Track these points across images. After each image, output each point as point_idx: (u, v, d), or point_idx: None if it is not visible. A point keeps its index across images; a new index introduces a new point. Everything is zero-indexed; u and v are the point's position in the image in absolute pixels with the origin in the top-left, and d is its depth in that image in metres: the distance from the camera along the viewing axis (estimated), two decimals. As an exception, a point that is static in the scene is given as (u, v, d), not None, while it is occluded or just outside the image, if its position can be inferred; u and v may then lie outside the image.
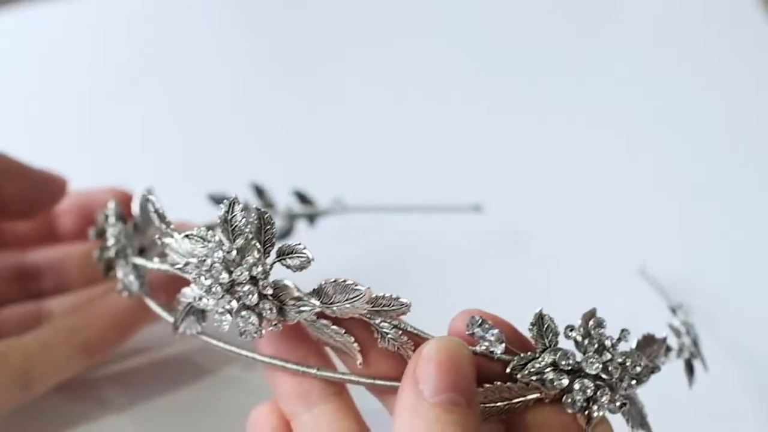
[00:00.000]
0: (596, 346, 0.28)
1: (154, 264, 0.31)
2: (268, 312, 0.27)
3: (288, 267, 0.27)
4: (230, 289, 0.27)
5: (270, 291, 0.27)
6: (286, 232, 0.49)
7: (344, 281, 0.26)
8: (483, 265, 0.49)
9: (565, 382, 0.28)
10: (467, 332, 0.28)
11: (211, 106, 0.61)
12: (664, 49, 0.65)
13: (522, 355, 0.28)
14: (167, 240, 0.29)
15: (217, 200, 0.49)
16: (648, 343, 0.31)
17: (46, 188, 0.39)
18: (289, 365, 0.29)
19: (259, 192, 0.49)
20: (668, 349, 0.32)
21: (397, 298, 0.27)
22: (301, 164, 0.54)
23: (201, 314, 0.30)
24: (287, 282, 0.27)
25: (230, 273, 0.27)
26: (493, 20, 0.70)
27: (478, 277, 0.48)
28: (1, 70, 0.63)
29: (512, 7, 0.70)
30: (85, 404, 0.39)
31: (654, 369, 0.30)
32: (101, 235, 0.36)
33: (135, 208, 0.35)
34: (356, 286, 0.26)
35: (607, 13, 0.69)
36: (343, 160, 0.56)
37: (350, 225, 0.49)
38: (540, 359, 0.28)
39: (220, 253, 0.27)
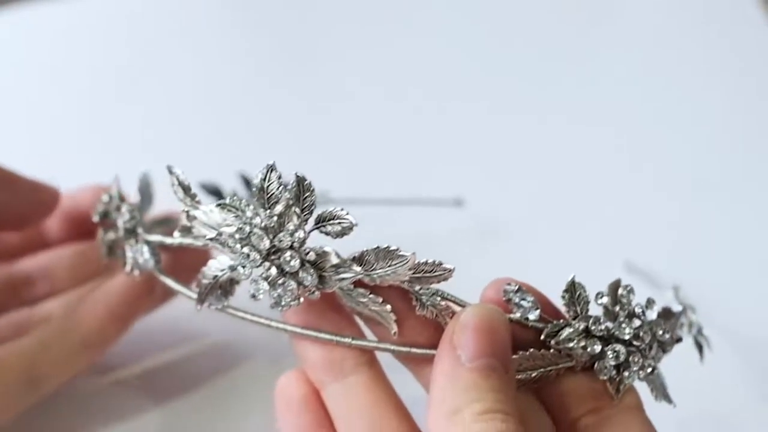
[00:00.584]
0: (627, 312, 0.28)
1: (175, 239, 0.30)
2: (309, 279, 0.27)
3: (327, 234, 0.27)
4: (270, 256, 0.27)
5: (313, 257, 0.27)
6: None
7: (387, 247, 0.27)
8: (470, 257, 0.48)
9: (598, 348, 0.28)
10: (504, 298, 0.28)
11: (211, 106, 0.61)
12: (664, 49, 0.66)
13: (555, 322, 0.28)
14: (194, 212, 0.29)
15: (208, 189, 0.48)
16: (667, 315, 0.31)
17: (37, 198, 0.39)
18: (322, 335, 0.29)
19: (248, 183, 0.49)
20: (681, 324, 0.33)
21: (440, 263, 0.27)
22: (299, 162, 0.54)
23: (228, 287, 0.29)
24: (327, 248, 0.27)
25: (271, 239, 0.27)
26: (488, 19, 0.70)
27: (466, 270, 0.48)
28: (1, 70, 0.63)
29: (509, 7, 0.70)
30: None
31: (678, 339, 0.31)
32: (105, 216, 0.36)
33: (134, 192, 0.35)
34: (400, 251, 0.26)
35: (605, 12, 0.69)
36: (340, 159, 0.56)
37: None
38: (573, 326, 0.28)
39: (259, 220, 0.27)
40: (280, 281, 0.27)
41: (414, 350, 0.28)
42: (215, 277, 0.29)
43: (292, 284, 0.27)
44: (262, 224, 0.27)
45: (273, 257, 0.27)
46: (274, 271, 0.27)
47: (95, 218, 0.36)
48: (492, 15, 0.70)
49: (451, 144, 0.57)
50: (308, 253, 0.27)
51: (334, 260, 0.27)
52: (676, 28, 0.67)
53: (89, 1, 0.68)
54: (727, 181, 0.55)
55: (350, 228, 0.27)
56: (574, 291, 0.28)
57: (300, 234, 0.27)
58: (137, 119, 0.59)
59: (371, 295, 0.28)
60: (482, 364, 0.26)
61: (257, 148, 0.57)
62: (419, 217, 0.50)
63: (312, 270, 0.27)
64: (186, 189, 0.30)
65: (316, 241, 0.27)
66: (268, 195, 0.28)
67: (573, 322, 0.28)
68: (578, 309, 0.28)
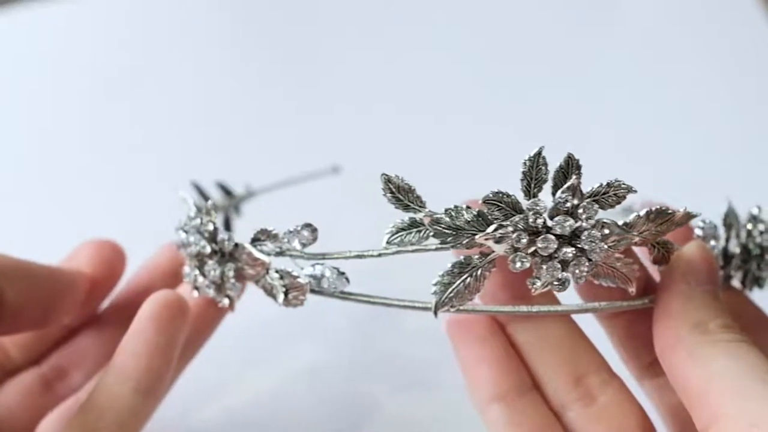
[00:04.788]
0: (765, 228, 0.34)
1: (407, 248, 0.28)
2: (596, 254, 0.27)
3: (600, 206, 0.28)
4: (569, 237, 0.27)
5: (607, 231, 0.27)
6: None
7: (659, 207, 0.28)
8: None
9: (755, 264, 0.34)
10: (700, 235, 0.32)
11: (210, 106, 0.61)
12: (663, 49, 0.65)
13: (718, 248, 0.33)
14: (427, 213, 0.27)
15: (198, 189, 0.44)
16: None
17: (59, 287, 0.33)
18: (567, 307, 0.30)
19: (201, 192, 0.45)
20: None
21: (685, 210, 0.29)
22: (298, 162, 0.51)
23: (478, 283, 0.28)
24: (606, 219, 0.28)
25: (575, 219, 0.27)
26: (486, 20, 0.68)
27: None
28: (0, 70, 0.64)
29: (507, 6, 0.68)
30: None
31: None
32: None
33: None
34: (671, 209, 0.28)
35: (605, 12, 0.68)
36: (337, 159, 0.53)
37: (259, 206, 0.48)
38: (736, 253, 0.33)
39: (543, 205, 0.27)
40: (575, 261, 0.27)
41: (646, 302, 0.30)
42: (461, 275, 0.28)
43: (586, 262, 0.27)
44: (558, 206, 0.27)
45: (571, 238, 0.27)
46: (571, 251, 0.27)
47: (206, 249, 0.30)
48: (491, 15, 0.68)
49: (448, 146, 0.57)
50: (602, 226, 0.27)
51: (615, 230, 0.28)
52: (676, 28, 0.66)
53: (89, 2, 0.68)
54: (727, 179, 0.54)
55: (624, 196, 0.28)
56: (728, 219, 0.33)
57: (596, 208, 0.27)
58: (137, 120, 0.60)
59: (625, 258, 0.29)
60: (710, 289, 0.29)
61: (256, 148, 0.58)
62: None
63: (602, 242, 0.27)
64: (409, 191, 0.28)
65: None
66: (536, 179, 0.27)
67: (736, 249, 0.33)
68: (730, 234, 0.33)
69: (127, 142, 0.57)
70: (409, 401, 0.40)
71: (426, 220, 0.27)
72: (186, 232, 0.31)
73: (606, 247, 0.27)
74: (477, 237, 0.27)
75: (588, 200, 0.27)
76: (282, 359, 0.43)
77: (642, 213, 0.28)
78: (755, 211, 0.34)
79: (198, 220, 0.31)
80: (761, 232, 0.34)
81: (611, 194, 0.27)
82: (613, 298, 0.30)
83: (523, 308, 0.29)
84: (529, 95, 0.62)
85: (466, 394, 0.32)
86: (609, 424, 0.30)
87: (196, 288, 0.32)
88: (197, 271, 0.31)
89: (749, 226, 0.34)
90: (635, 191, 0.28)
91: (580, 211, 0.27)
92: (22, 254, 0.33)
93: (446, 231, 0.27)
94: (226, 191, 0.47)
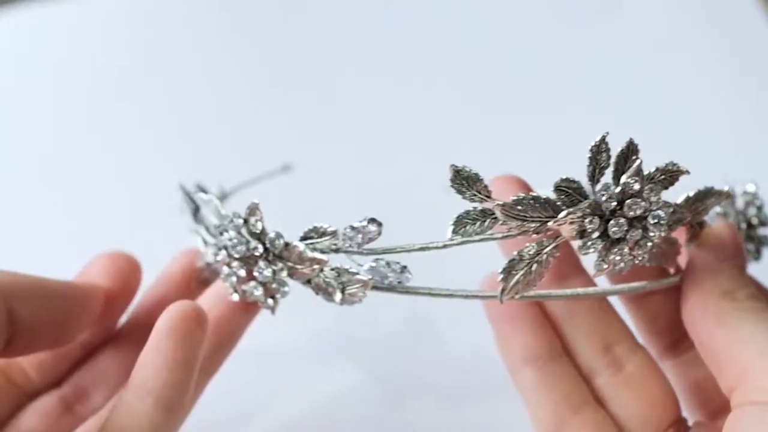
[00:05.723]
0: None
1: (471, 237, 0.28)
2: (656, 235, 0.28)
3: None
4: (633, 220, 0.28)
5: (671, 211, 0.28)
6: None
7: (706, 188, 0.29)
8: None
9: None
10: (721, 212, 0.34)
11: (211, 105, 0.61)
12: (663, 49, 0.64)
13: None
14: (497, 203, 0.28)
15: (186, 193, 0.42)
16: None
17: (74, 303, 0.32)
18: (618, 287, 0.31)
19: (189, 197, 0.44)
20: None
21: (727, 189, 0.31)
22: (298, 158, 0.50)
23: (544, 268, 0.29)
24: (665, 199, 0.29)
25: (642, 203, 0.27)
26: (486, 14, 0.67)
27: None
28: (0, 70, 0.64)
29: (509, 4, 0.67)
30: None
31: None
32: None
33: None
34: (716, 188, 0.30)
35: (604, 12, 0.66)
36: (337, 155, 0.54)
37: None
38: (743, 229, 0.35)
39: (612, 188, 0.27)
40: (641, 242, 0.28)
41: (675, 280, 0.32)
42: (527, 262, 0.28)
43: (648, 243, 0.28)
44: (626, 190, 0.27)
45: (633, 221, 0.28)
46: (638, 233, 0.28)
47: (257, 249, 0.29)
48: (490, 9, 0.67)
49: (448, 138, 0.56)
50: (665, 207, 0.28)
51: (669, 209, 0.29)
52: (676, 28, 0.66)
53: (89, 2, 0.67)
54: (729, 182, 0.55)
55: (678, 178, 0.29)
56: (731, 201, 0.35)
57: (659, 188, 0.28)
58: (137, 120, 0.59)
59: (671, 238, 0.30)
60: (738, 262, 0.31)
61: (256, 145, 0.57)
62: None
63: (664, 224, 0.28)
64: (477, 181, 0.28)
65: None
66: (600, 165, 0.28)
67: (742, 225, 0.35)
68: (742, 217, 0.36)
69: (130, 143, 0.57)
70: (450, 416, 0.40)
71: (497, 210, 0.27)
72: (228, 232, 0.30)
73: (666, 228, 0.28)
74: (550, 223, 0.27)
75: (649, 183, 0.28)
76: (311, 382, 0.42)
77: (691, 193, 0.29)
78: (751, 188, 0.36)
79: (240, 220, 0.30)
80: (758, 207, 0.36)
81: (667, 177, 0.28)
82: (639, 278, 0.31)
83: (580, 291, 0.30)
84: (529, 94, 0.61)
85: (507, 406, 0.32)
86: (637, 389, 0.32)
87: (236, 291, 0.31)
88: (242, 273, 0.30)
89: (747, 204, 0.36)
90: (689, 173, 0.29)
91: (647, 194, 0.27)
92: (28, 269, 0.31)
93: (516, 219, 0.27)
94: (204, 193, 0.46)
